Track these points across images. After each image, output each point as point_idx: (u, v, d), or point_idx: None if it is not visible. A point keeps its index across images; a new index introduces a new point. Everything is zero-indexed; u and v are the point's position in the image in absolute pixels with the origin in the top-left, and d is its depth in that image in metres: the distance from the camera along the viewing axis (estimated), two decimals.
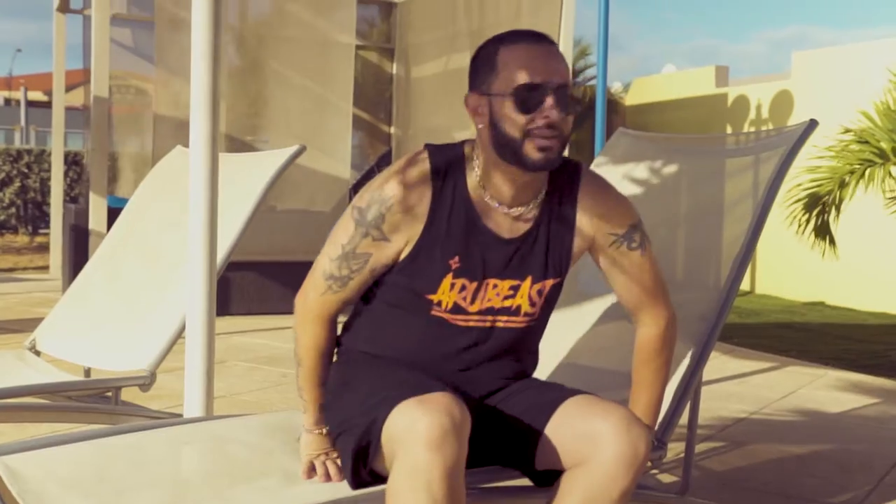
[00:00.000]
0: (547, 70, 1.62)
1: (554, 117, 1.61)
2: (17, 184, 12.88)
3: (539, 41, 1.67)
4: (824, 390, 4.67)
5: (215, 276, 2.30)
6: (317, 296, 1.76)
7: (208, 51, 2.24)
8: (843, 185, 5.28)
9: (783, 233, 5.41)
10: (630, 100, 12.16)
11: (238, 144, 7.15)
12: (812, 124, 2.32)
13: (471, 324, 1.75)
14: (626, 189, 2.74)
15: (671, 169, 2.76)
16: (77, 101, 11.86)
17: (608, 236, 1.79)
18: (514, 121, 1.63)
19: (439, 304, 1.74)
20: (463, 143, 1.77)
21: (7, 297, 7.15)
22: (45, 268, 9.26)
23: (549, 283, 1.78)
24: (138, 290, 2.88)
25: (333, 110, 7.27)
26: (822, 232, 5.44)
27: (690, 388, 2.14)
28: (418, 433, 1.45)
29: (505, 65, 1.65)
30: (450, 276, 1.71)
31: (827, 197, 5.39)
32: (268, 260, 6.35)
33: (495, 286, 1.74)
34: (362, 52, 8.36)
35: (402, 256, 1.73)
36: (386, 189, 1.70)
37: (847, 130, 5.53)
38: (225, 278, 2.41)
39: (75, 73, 10.09)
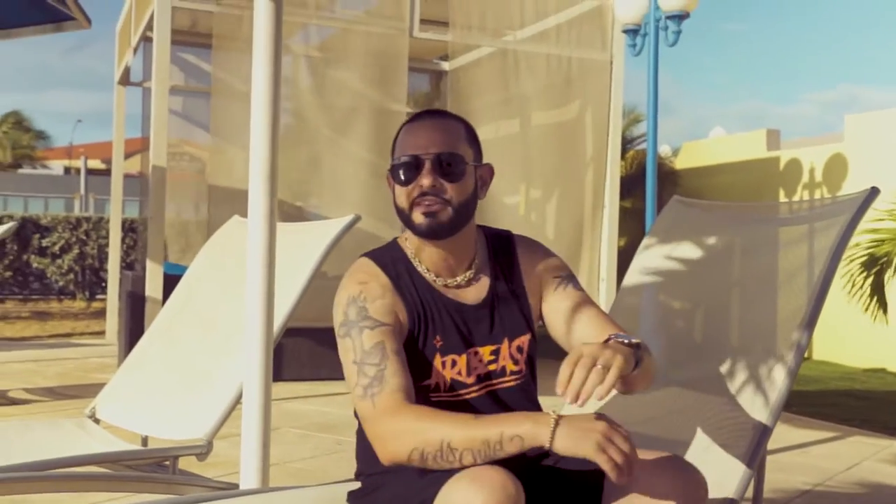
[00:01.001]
0: (422, 142, 1.74)
1: (425, 185, 1.70)
2: (75, 250, 13.17)
3: (425, 117, 1.79)
4: (890, 462, 4.52)
5: (272, 346, 2.32)
6: (372, 411, 1.60)
7: (267, 123, 2.29)
8: None
9: (841, 298, 5.31)
10: (679, 164, 12.12)
11: (291, 211, 7.25)
12: (873, 192, 2.29)
13: (473, 395, 1.75)
14: (683, 257, 2.72)
15: (726, 238, 2.73)
16: (133, 168, 12.16)
17: (553, 280, 1.86)
18: (399, 193, 1.76)
19: (437, 387, 1.73)
20: (395, 239, 1.85)
21: (65, 363, 7.26)
22: (102, 333, 9.40)
23: (525, 339, 1.82)
24: (195, 359, 2.91)
25: (385, 176, 7.36)
26: (876, 293, 5.33)
27: (755, 460, 2.08)
28: None
29: (396, 144, 1.80)
30: (438, 355, 1.73)
31: (885, 258, 5.30)
32: (320, 326, 6.36)
33: (477, 353, 1.77)
34: None
35: None
36: (348, 292, 1.73)
37: None
38: (278, 345, 2.44)
39: (132, 140, 10.36)
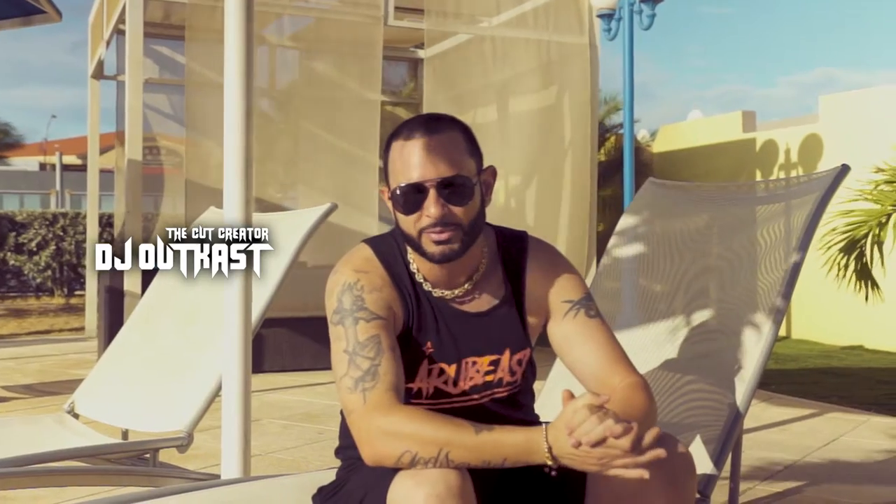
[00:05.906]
0: (422, 165, 1.58)
1: (434, 215, 1.58)
2: (52, 247, 13.07)
3: (421, 131, 1.61)
4: (868, 437, 4.57)
5: (250, 336, 2.31)
6: (361, 406, 1.52)
7: (240, 114, 2.28)
8: (881, 225, 5.22)
9: (818, 277, 5.35)
10: (657, 147, 12.16)
11: (268, 201, 7.23)
12: (844, 169, 2.31)
13: (456, 406, 1.67)
14: (659, 239, 2.73)
15: (703, 217, 2.74)
16: (110, 163, 12.07)
17: (562, 304, 1.71)
18: (403, 220, 1.62)
19: (419, 393, 1.66)
20: (393, 230, 1.72)
21: (44, 360, 7.22)
22: (81, 329, 9.35)
23: (527, 352, 1.72)
24: (174, 352, 2.90)
25: (361, 165, 7.35)
26: (864, 276, 5.36)
27: (732, 438, 2.10)
28: None
29: (391, 163, 1.63)
30: (425, 361, 1.66)
31: (864, 240, 5.33)
32: (300, 316, 6.37)
33: (475, 363, 1.68)
34: (389, 107, 8.46)
35: None
36: (344, 278, 1.64)
37: (879, 170, 5.49)
38: (258, 336, 2.43)
39: (108, 135, 10.28)
